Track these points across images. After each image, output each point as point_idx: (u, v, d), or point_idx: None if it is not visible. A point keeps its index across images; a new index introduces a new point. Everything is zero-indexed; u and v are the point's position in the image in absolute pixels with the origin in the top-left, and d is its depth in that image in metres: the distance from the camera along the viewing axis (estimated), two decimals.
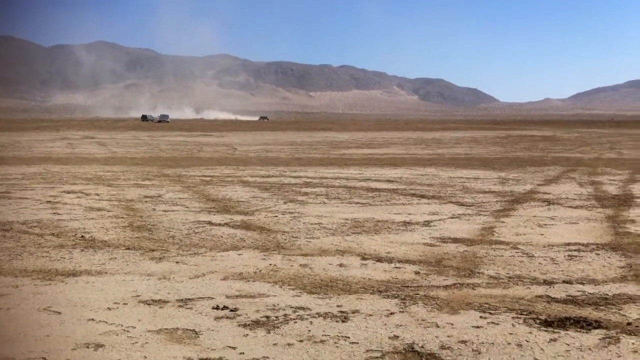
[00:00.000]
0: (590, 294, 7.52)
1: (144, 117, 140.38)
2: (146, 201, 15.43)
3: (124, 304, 7.16)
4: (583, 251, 9.89)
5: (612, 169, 25.09)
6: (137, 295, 7.48)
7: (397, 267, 8.86)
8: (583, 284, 7.97)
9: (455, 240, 10.71)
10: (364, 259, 9.38)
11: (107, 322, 6.52)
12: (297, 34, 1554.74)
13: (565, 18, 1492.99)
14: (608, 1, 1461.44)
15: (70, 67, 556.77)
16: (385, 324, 6.48)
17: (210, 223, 12.35)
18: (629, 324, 6.45)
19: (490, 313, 6.80)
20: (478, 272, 8.53)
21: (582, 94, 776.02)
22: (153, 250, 9.90)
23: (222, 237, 11.00)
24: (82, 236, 11.02)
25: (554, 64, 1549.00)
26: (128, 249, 10.05)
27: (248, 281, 8.10)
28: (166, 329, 6.34)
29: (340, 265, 9.00)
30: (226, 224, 12.23)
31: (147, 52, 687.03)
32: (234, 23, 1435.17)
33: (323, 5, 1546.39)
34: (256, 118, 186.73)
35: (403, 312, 6.88)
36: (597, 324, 6.43)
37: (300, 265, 8.98)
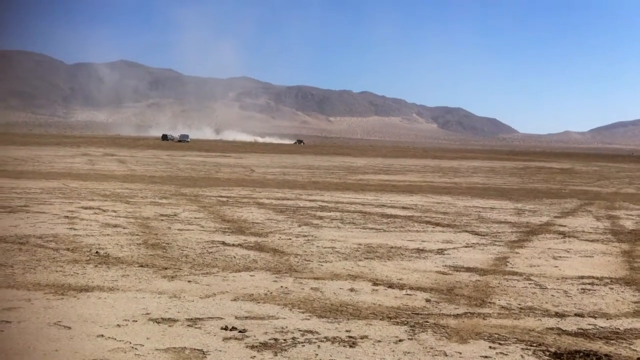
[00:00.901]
0: (602, 327, 7.46)
1: (165, 137, 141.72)
2: (162, 219, 15.54)
3: (134, 321, 7.20)
4: (597, 285, 9.81)
5: (630, 203, 24.88)
6: (147, 313, 7.52)
7: (408, 294, 8.84)
8: (595, 317, 7.91)
9: (468, 269, 10.67)
10: (375, 284, 9.37)
11: (116, 339, 6.56)
12: (318, 59, 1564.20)
13: (587, 52, 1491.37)
14: (630, 36, 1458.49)
15: (92, 84, 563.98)
16: (393, 351, 6.46)
17: (224, 243, 12.41)
18: (639, 359, 6.38)
19: (500, 343, 6.76)
20: (489, 302, 8.48)
21: (602, 128, 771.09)
22: (166, 269, 9.95)
23: (235, 257, 11.04)
24: (96, 252, 11.12)
25: (575, 97, 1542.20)
26: (141, 266, 10.11)
27: (258, 303, 8.12)
28: (174, 348, 6.37)
29: (351, 290, 8.99)
30: (240, 245, 12.28)
31: (169, 72, 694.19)
32: (255, 46, 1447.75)
33: (344, 32, 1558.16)
34: (279, 141, 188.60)
35: (412, 339, 6.85)
36: (607, 358, 6.37)
37: (311, 288, 8.98)
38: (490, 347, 6.66)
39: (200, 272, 9.81)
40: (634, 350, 6.67)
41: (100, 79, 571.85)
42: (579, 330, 7.32)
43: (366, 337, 6.88)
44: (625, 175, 52.54)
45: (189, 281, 9.18)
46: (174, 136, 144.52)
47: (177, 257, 10.93)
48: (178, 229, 14.05)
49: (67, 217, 15.41)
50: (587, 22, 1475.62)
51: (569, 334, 7.19)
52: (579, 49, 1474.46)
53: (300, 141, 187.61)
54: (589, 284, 9.88)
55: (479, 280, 9.83)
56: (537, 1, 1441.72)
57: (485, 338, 6.93)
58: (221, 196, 22.05)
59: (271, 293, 8.63)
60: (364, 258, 11.44)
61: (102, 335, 6.66)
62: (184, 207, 18.26)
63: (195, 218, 16.03)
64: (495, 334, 7.08)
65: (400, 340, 6.79)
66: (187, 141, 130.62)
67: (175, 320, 7.26)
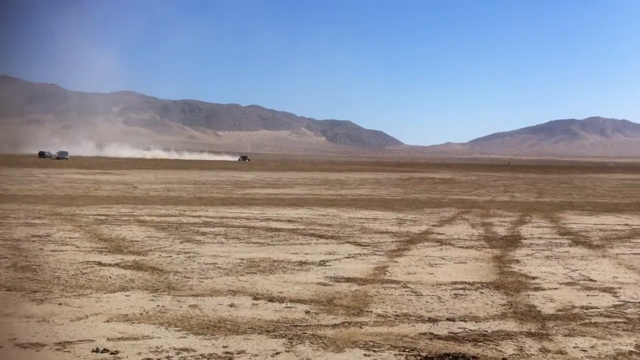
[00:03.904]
0: (471, 330, 7.77)
1: (42, 154, 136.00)
2: (34, 241, 14.81)
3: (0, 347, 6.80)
4: (468, 290, 10.22)
5: (504, 211, 26.16)
6: (14, 339, 7.12)
7: (288, 307, 8.85)
8: (465, 321, 8.22)
9: (349, 280, 10.83)
10: (255, 299, 9.33)
11: None
12: (204, 72, 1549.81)
13: (464, 67, 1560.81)
14: (506, 51, 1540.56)
15: None
16: None
17: (99, 263, 11.97)
18: (504, 359, 6.69)
19: (374, 350, 6.89)
20: (367, 311, 8.64)
21: (481, 139, 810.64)
22: (35, 292, 9.48)
23: (110, 277, 10.67)
24: None
25: (456, 110, 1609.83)
26: (9, 290, 9.59)
27: (133, 323, 7.88)
28: None
29: (231, 305, 8.91)
30: (116, 265, 11.89)
31: (50, 87, 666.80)
32: (139, 60, 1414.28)
33: (232, 45, 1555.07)
34: (216, 157, 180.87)
35: (289, 351, 6.86)
36: (475, 359, 6.63)
37: (189, 306, 8.82)
38: (365, 354, 6.77)
39: (73, 294, 9.41)
40: (499, 351, 6.98)
41: None
42: (450, 334, 7.59)
43: (243, 352, 6.82)
44: (501, 184, 55.24)
45: (60, 304, 8.78)
46: (52, 153, 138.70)
47: (48, 279, 10.43)
48: (51, 250, 13.43)
49: None
50: (463, 39, 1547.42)
51: (440, 338, 7.43)
52: (457, 64, 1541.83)
53: (244, 157, 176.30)
54: (461, 289, 10.27)
55: (358, 290, 9.99)
56: (416, 17, 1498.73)
57: (361, 346, 7.05)
58: (99, 214, 21.31)
59: (147, 312, 8.40)
60: (246, 273, 11.37)
61: None
62: (59, 227, 17.49)
63: (70, 238, 15.39)
64: (371, 341, 7.22)
65: (277, 353, 6.79)
66: (66, 158, 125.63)
67: (42, 345, 6.92)
